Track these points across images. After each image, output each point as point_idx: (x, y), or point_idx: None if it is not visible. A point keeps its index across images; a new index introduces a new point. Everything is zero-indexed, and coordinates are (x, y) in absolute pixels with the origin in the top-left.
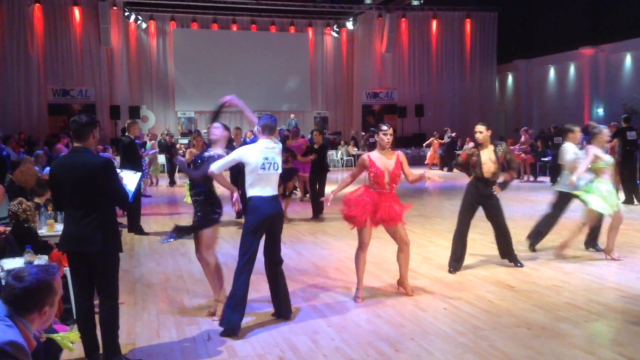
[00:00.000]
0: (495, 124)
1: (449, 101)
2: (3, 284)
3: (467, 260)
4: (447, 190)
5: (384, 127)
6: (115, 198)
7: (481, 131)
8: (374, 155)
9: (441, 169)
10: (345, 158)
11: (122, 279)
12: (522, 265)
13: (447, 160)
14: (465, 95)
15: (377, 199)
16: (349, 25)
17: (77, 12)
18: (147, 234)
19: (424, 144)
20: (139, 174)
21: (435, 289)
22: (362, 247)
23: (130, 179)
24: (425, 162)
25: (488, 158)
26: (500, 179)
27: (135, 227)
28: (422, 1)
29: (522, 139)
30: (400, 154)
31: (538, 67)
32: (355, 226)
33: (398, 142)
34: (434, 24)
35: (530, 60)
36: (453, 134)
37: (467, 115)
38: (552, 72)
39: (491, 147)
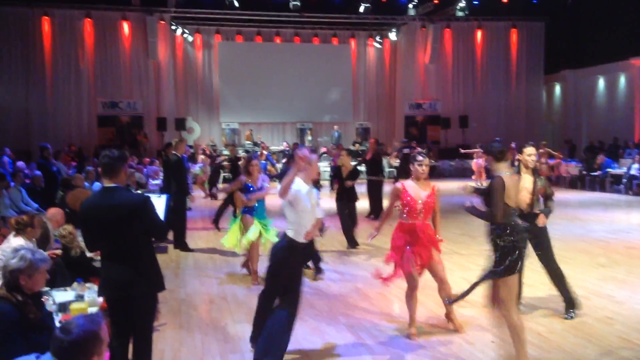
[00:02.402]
0: (543, 135)
1: (494, 112)
2: (55, 318)
3: None
4: None
5: (420, 158)
6: (155, 232)
7: (533, 155)
8: (408, 184)
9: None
10: (387, 170)
11: (167, 300)
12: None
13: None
14: (511, 106)
15: (412, 234)
16: (392, 36)
17: (126, 26)
18: (192, 250)
19: (465, 152)
20: (164, 196)
21: (482, 320)
22: (411, 288)
23: (156, 204)
24: (473, 177)
25: (524, 186)
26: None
27: (181, 244)
28: (467, 12)
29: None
30: (436, 186)
31: (587, 78)
32: (401, 271)
33: (442, 154)
34: (479, 34)
35: (579, 70)
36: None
37: (513, 126)
38: (601, 83)
39: (530, 177)
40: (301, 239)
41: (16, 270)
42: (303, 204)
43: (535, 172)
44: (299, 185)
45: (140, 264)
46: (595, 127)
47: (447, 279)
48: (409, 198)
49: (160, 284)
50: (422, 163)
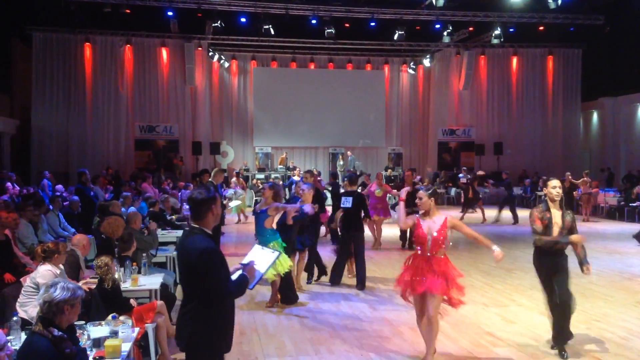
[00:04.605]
0: (580, 163)
1: (529, 139)
2: (89, 354)
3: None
4: (524, 236)
5: (421, 193)
6: (207, 291)
7: (557, 187)
8: (421, 216)
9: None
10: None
11: None
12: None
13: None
14: (547, 134)
15: (424, 264)
16: (426, 62)
17: (164, 53)
18: None
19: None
20: (277, 253)
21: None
22: (417, 314)
23: (263, 258)
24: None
25: (555, 221)
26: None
27: None
28: (502, 39)
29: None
30: (447, 217)
31: (625, 106)
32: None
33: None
34: (514, 60)
35: (617, 98)
36: (469, 176)
37: (549, 153)
38: None
39: (558, 212)
40: None
41: (62, 301)
42: None
43: (562, 205)
44: None
45: (193, 316)
46: (634, 155)
47: (436, 320)
48: (420, 232)
49: (216, 346)
50: (422, 197)
